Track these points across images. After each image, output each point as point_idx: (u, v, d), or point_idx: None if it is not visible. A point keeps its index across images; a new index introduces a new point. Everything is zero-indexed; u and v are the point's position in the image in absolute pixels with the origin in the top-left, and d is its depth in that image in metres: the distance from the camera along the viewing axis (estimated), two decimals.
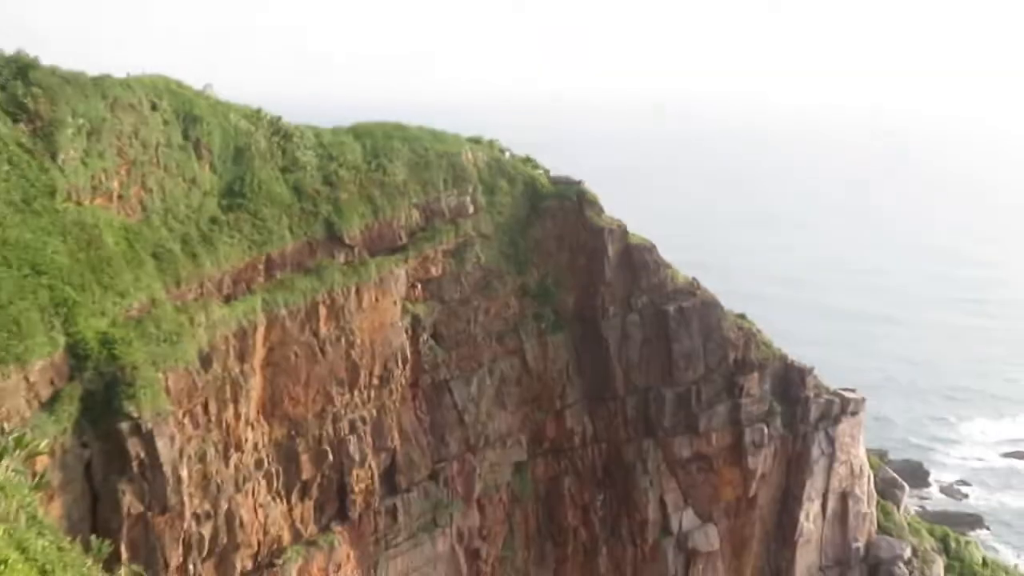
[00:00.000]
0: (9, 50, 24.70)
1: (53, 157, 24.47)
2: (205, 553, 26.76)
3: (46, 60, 25.98)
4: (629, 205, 58.47)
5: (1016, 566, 51.77)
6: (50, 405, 20.95)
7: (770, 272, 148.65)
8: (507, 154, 46.32)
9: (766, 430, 42.61)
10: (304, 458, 33.32)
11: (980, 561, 46.16)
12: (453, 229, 41.32)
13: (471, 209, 42.43)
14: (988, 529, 68.27)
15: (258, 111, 36.38)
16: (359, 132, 39.78)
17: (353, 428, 35.40)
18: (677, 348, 42.91)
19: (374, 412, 36.64)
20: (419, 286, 40.02)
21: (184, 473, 24.34)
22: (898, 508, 45.96)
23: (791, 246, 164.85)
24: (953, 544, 46.21)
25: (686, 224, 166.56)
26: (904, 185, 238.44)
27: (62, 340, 21.81)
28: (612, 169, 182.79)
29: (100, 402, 22.49)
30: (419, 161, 40.46)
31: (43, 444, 12.70)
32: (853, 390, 45.57)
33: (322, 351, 34.25)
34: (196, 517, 26.14)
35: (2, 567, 7.24)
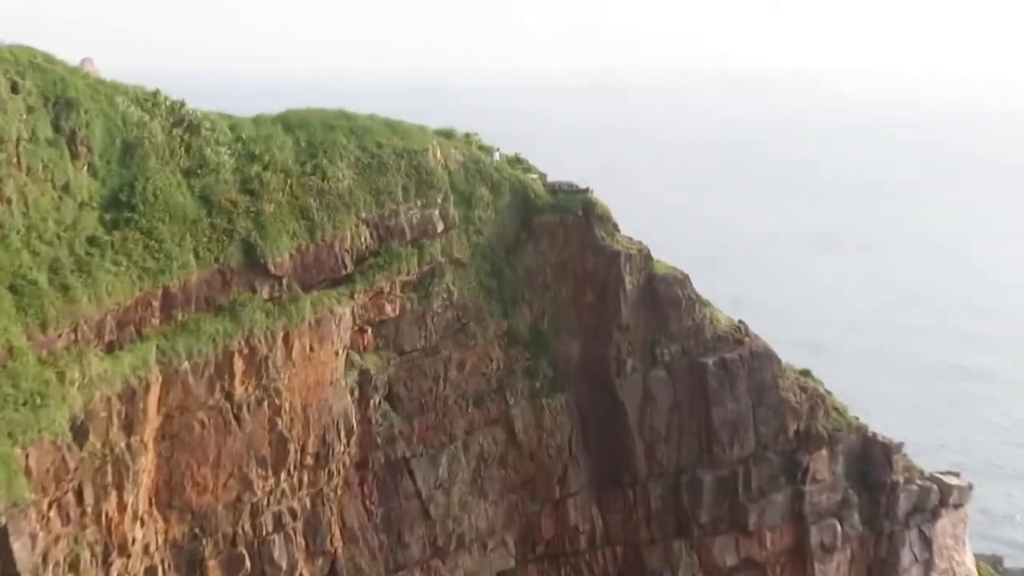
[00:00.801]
0: None
1: None
2: None
3: None
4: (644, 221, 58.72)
5: None
6: None
7: (836, 312, 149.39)
8: (496, 154, 47.42)
9: (839, 528, 42.51)
10: (212, 564, 33.11)
11: None
12: (416, 254, 41.69)
13: (440, 226, 42.88)
14: None
15: (155, 94, 36.64)
16: (290, 122, 40.26)
17: (279, 524, 35.32)
18: (719, 415, 43.17)
19: (308, 503, 36.54)
20: (369, 331, 40.37)
21: None
22: None
23: (861, 274, 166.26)
24: None
25: (718, 244, 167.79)
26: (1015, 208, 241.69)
27: None
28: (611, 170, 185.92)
29: None
30: (370, 162, 40.83)
31: None
32: (956, 474, 45.82)
33: (238, 419, 34.42)
34: None
35: None
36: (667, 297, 45.41)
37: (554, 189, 47.17)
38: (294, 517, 36.36)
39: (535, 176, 47.78)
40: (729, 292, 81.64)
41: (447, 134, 46.56)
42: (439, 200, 43.28)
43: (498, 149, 48.47)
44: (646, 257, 46.00)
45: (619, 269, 44.95)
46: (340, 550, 37.32)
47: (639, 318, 45.02)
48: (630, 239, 46.86)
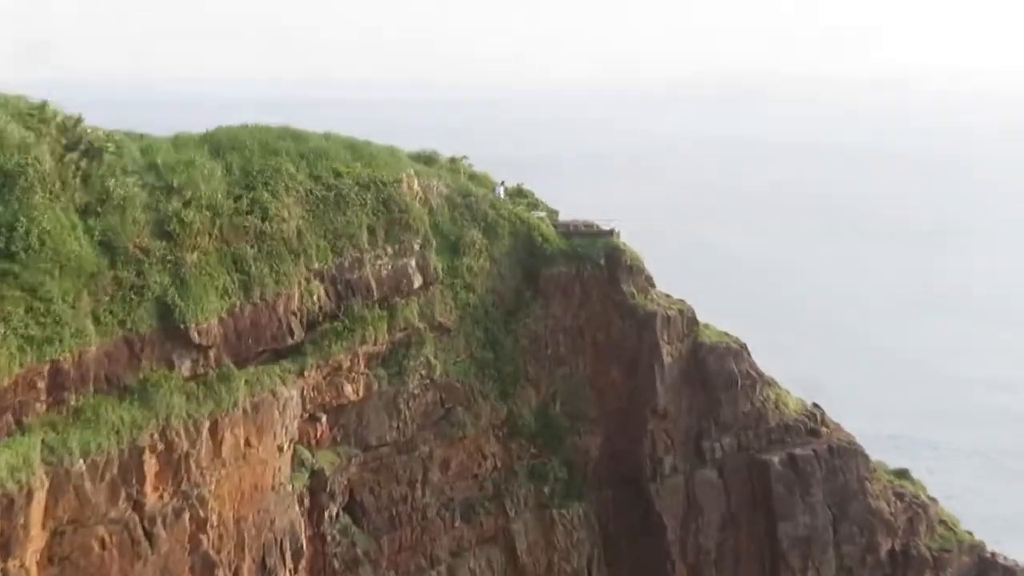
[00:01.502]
0: None
1: None
2: None
3: None
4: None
5: None
6: None
7: (945, 396, 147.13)
8: (499, 188, 48.47)
9: None
10: None
11: None
12: (386, 317, 42.70)
13: (417, 280, 44.03)
14: None
15: (42, 107, 36.35)
16: (220, 143, 40.69)
17: None
18: (787, 531, 44.23)
19: None
20: (324, 419, 41.09)
21: None
22: None
23: (983, 347, 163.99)
24: None
25: (789, 302, 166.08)
26: None
27: None
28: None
29: None
30: (326, 195, 41.65)
31: None
32: None
33: (149, 537, 33.88)
34: None
35: None
36: (718, 374, 45.85)
37: (568, 231, 47.53)
38: None
39: (542, 214, 48.13)
40: (801, 368, 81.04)
41: (427, 159, 47.53)
42: (416, 246, 43.67)
43: (503, 182, 48.60)
44: (690, 320, 46.21)
45: (654, 336, 45.13)
46: None
47: (681, 401, 45.56)
48: (668, 297, 46.92)
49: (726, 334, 47.47)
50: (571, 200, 52.28)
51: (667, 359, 44.94)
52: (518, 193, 49.06)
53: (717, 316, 49.83)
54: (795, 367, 64.55)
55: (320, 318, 40.98)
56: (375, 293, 42.80)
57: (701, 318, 47.77)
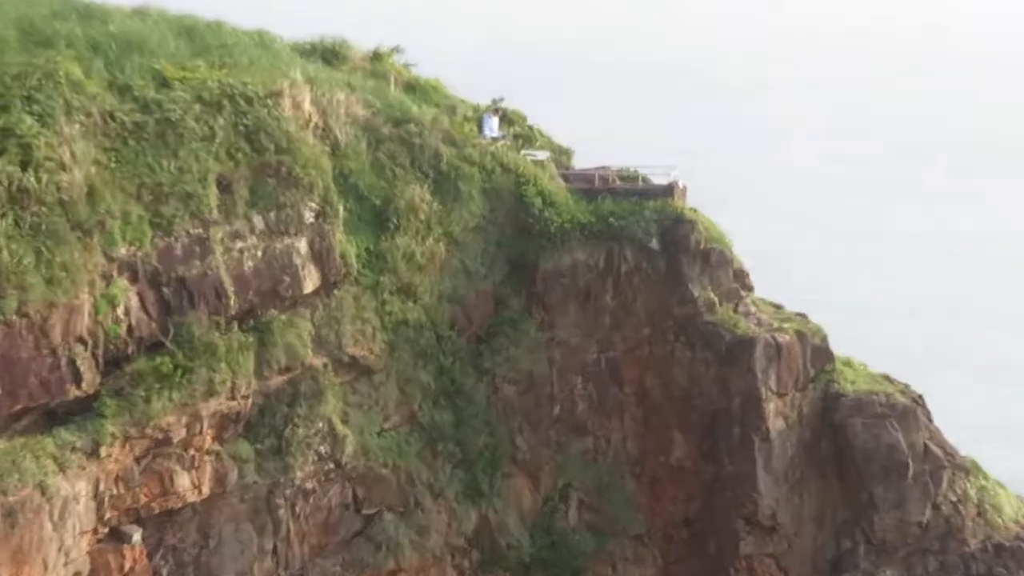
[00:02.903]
0: None
1: None
2: None
3: None
4: None
5: None
6: None
7: None
8: (489, 123, 48.62)
9: None
10: None
11: None
12: (252, 345, 41.54)
13: (311, 279, 42.51)
14: None
15: None
16: None
17: None
18: None
19: None
20: (136, 538, 39.74)
21: None
22: None
23: None
24: None
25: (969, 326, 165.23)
26: None
27: None
28: None
29: None
30: (141, 122, 40.31)
31: None
32: None
33: None
34: None
35: None
36: (872, 453, 45.48)
37: (591, 187, 46.98)
38: None
39: (543, 156, 47.43)
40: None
41: (330, 53, 46.79)
42: (308, 214, 42.27)
43: (497, 107, 49.58)
44: (819, 352, 45.69)
45: (752, 382, 44.82)
46: None
47: (803, 504, 45.54)
48: (778, 308, 46.65)
49: (886, 377, 45.84)
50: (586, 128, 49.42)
51: (776, 424, 44.84)
52: (514, 117, 49.26)
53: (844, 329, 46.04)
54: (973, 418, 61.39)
55: (130, 349, 38.37)
56: (233, 302, 40.22)
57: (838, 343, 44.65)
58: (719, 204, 49.86)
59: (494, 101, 48.56)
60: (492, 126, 47.77)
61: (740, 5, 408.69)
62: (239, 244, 41.44)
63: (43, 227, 37.76)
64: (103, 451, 38.37)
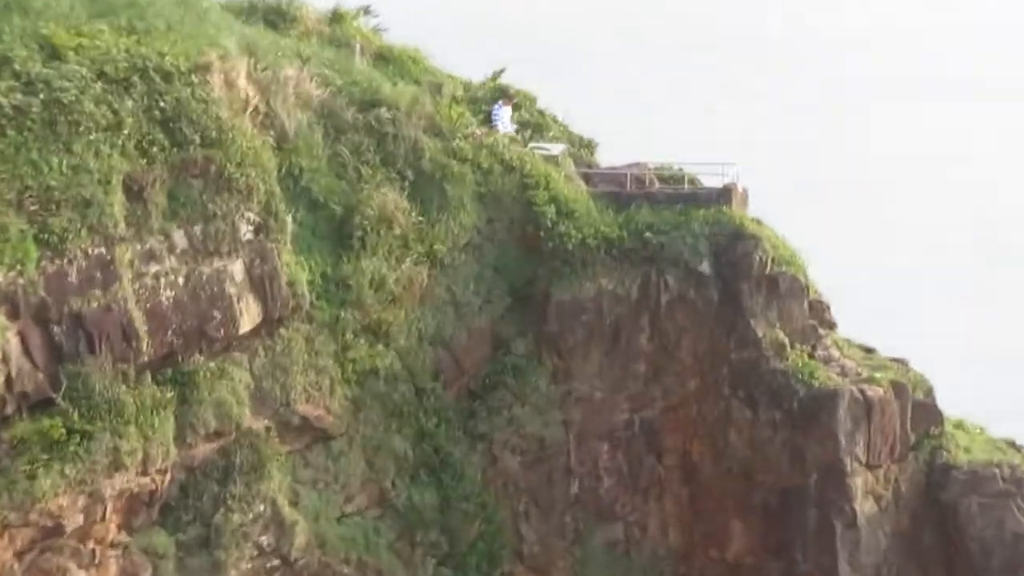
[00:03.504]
0: None
1: None
2: None
3: None
4: None
5: None
6: None
7: None
8: (500, 114, 45.41)
9: None
10: None
11: None
12: (172, 402, 38.41)
13: (250, 314, 39.27)
14: None
15: None
16: None
17: None
18: None
19: None
20: None
21: None
22: None
23: None
24: None
25: None
26: None
27: None
28: None
29: None
30: (24, 105, 37.52)
31: None
32: None
33: None
34: None
35: None
36: (989, 543, 42.40)
37: (620, 191, 43.28)
38: None
39: (557, 150, 43.01)
40: None
41: (273, 13, 43.67)
42: (245, 227, 38.79)
43: (507, 89, 45.86)
44: (924, 411, 41.21)
45: (834, 450, 40.59)
46: None
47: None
48: (869, 353, 42.35)
49: (1011, 444, 40.45)
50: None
51: (866, 506, 41.02)
52: (499, 93, 45.50)
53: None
54: None
55: (9, 409, 35.26)
56: (145, 345, 36.47)
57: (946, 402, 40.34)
58: (786, 210, 44.66)
59: (495, 75, 45.79)
60: (504, 119, 45.18)
61: None
62: (154, 268, 39.42)
63: None
64: None
